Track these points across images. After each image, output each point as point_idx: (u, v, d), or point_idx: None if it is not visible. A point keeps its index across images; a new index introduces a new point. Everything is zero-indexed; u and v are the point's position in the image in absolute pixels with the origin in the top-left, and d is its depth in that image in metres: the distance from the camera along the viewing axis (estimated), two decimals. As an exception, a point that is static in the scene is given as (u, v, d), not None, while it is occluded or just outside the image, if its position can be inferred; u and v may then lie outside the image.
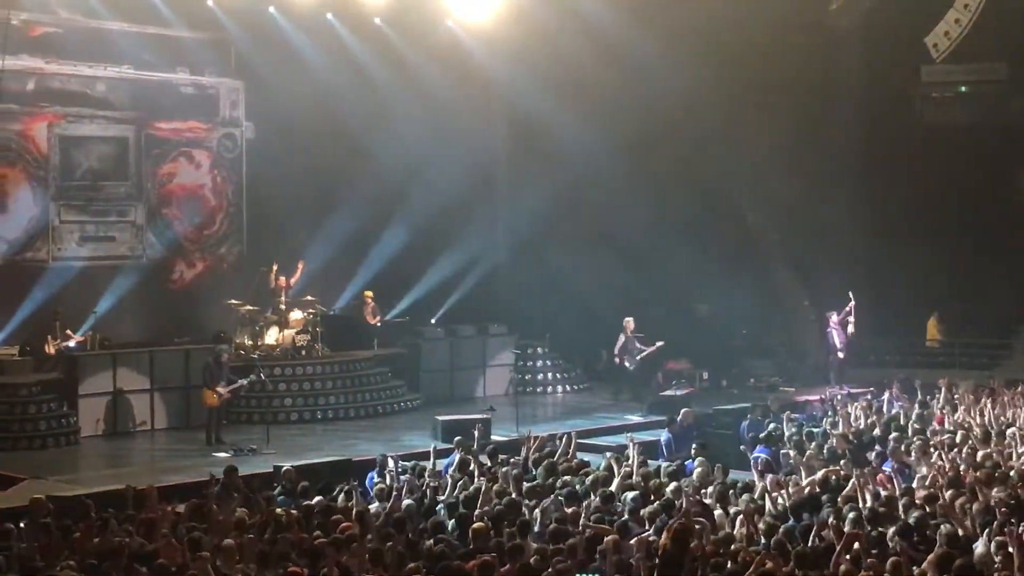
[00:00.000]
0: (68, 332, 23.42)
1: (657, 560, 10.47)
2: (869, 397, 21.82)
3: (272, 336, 24.42)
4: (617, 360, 25.49)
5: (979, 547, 11.05)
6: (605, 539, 10.87)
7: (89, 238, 25.68)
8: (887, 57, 28.32)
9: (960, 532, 11.50)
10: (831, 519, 11.94)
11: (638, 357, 25.30)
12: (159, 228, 26.48)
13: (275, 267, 24.71)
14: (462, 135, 27.57)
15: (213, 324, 25.19)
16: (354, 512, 12.75)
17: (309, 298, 25.06)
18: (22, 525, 13.00)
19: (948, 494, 12.72)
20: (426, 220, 27.29)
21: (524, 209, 28.38)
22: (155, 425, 22.22)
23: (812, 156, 27.75)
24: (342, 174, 27.00)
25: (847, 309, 25.51)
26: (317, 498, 14.16)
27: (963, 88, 28.82)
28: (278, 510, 13.02)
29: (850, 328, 25.57)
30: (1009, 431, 17.39)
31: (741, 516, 12.44)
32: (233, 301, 24.60)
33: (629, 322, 25.32)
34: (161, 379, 22.38)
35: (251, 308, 24.53)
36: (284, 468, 15.91)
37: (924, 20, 28.23)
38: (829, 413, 20.02)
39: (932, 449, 16.07)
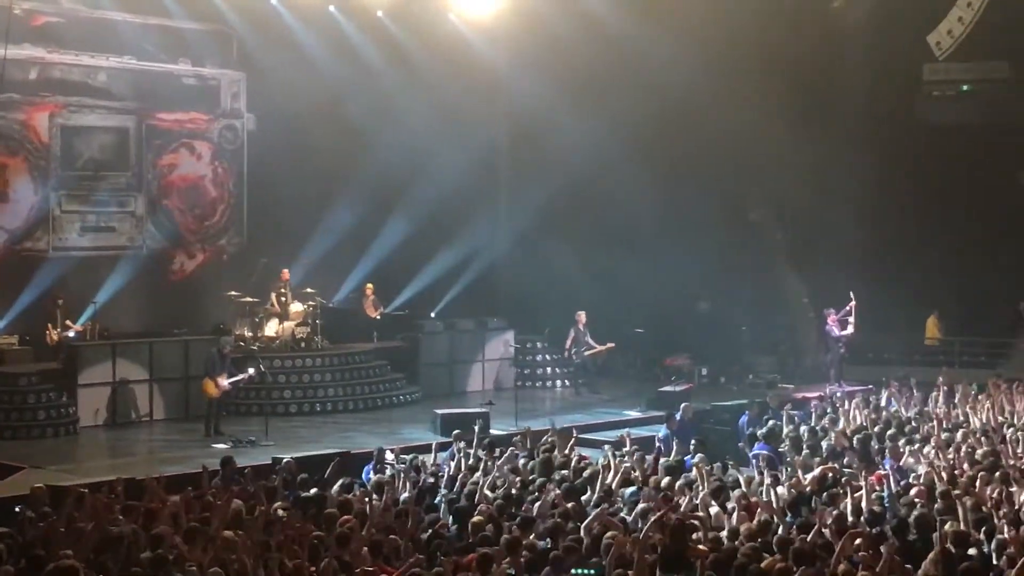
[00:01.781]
0: (68, 323, 23.43)
1: (657, 555, 10.49)
2: (868, 394, 21.84)
3: (271, 328, 24.43)
4: (567, 353, 26.07)
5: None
6: (606, 535, 10.89)
7: (90, 228, 25.67)
8: (889, 55, 28.28)
9: (962, 529, 11.52)
10: (828, 516, 11.96)
11: (585, 352, 25.73)
12: (159, 219, 26.47)
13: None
14: (464, 128, 27.56)
15: (213, 315, 25.20)
16: (353, 506, 12.76)
17: (309, 290, 25.06)
18: (17, 510, 13.05)
19: (947, 491, 12.75)
20: (427, 213, 27.29)
21: (525, 203, 28.39)
22: (154, 416, 22.23)
23: (814, 153, 27.70)
24: (343, 167, 26.99)
25: (847, 308, 25.50)
26: (313, 490, 14.20)
27: (965, 87, 28.77)
28: (278, 505, 13.02)
29: (850, 328, 25.56)
30: (1008, 430, 17.42)
31: (737, 512, 12.47)
32: (233, 293, 24.60)
33: (581, 315, 25.91)
34: (160, 370, 22.39)
35: (251, 300, 24.53)
36: (284, 460, 15.94)
37: (927, 18, 28.19)
38: (828, 410, 20.02)
39: (930, 447, 16.09)
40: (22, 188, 24.79)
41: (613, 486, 14.05)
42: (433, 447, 16.74)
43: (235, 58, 26.99)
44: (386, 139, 26.89)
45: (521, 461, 15.54)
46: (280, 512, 12.57)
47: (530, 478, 14.60)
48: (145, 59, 25.81)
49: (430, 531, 12.11)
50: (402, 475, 14.58)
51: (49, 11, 24.71)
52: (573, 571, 10.52)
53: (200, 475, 14.73)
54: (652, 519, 11.21)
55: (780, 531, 11.71)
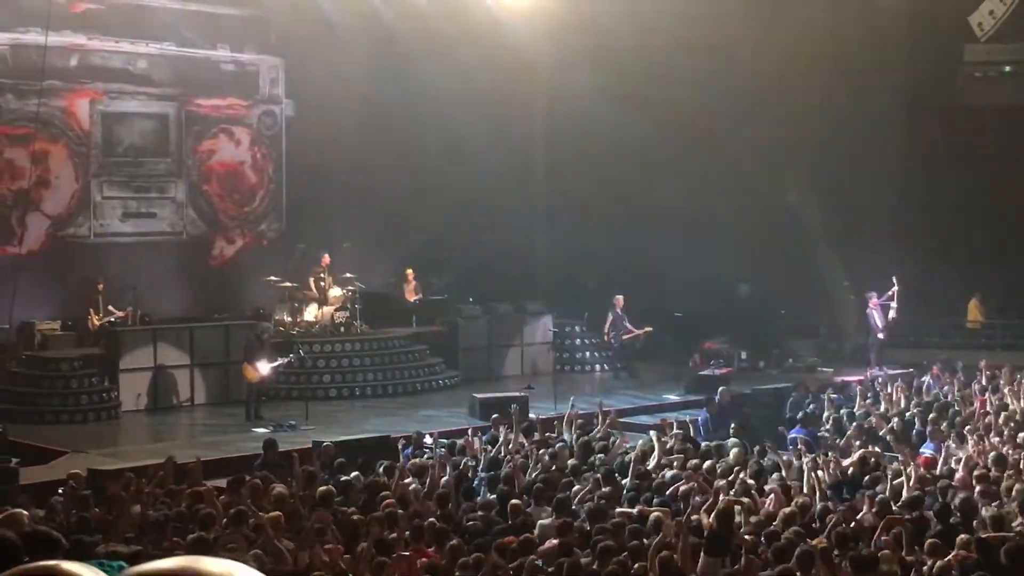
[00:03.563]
0: (110, 308, 23.58)
1: (704, 538, 10.50)
2: (909, 378, 21.72)
3: (311, 313, 24.48)
4: (605, 337, 25.98)
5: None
6: (650, 516, 10.91)
7: (131, 214, 25.83)
8: (930, 36, 28.05)
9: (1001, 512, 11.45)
10: (870, 500, 11.92)
11: (623, 336, 25.74)
12: (200, 205, 26.60)
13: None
14: (502, 114, 27.50)
15: (252, 300, 25.31)
16: (395, 488, 12.81)
17: (348, 275, 25.10)
18: (60, 492, 13.17)
19: (991, 476, 12.67)
20: (465, 198, 27.31)
21: (563, 187, 28.36)
22: (195, 400, 22.36)
23: (854, 135, 27.56)
24: (381, 152, 27.01)
25: (890, 293, 25.34)
26: (354, 473, 14.24)
27: (1007, 68, 28.52)
28: (322, 488, 13.07)
29: (892, 313, 25.42)
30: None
31: (775, 496, 12.45)
32: (272, 277, 24.68)
33: (619, 299, 25.74)
34: (201, 354, 22.49)
35: (290, 285, 24.60)
36: (324, 444, 16.01)
37: (968, -1, 27.98)
38: (869, 394, 19.93)
39: (972, 431, 15.99)
40: (64, 175, 24.96)
41: (654, 470, 14.04)
42: (469, 432, 16.77)
43: (273, 44, 27.05)
44: (424, 125, 26.90)
45: (558, 445, 15.54)
46: (319, 496, 12.62)
47: (568, 462, 14.61)
48: (184, 45, 25.90)
49: (469, 514, 12.14)
50: (442, 459, 14.61)
51: (89, -2, 24.85)
52: None
53: (242, 459, 14.82)
54: (696, 502, 11.21)
55: (823, 514, 11.68)
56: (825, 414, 18.06)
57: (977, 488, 12.56)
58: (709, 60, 26.21)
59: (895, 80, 27.94)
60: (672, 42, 26.50)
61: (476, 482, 14.02)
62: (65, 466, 16.55)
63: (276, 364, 21.38)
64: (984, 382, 20.52)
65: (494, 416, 17.46)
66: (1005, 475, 12.99)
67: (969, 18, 27.95)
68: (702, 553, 10.31)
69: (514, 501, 12.21)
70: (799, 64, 26.42)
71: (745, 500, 12.11)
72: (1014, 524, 11.21)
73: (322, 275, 24.55)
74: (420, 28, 27.23)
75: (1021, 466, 13.40)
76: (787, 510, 11.74)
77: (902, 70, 28.00)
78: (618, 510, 12.08)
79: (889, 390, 19.72)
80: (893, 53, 27.97)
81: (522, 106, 28.56)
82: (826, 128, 26.94)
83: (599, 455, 14.93)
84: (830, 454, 14.88)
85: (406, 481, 13.68)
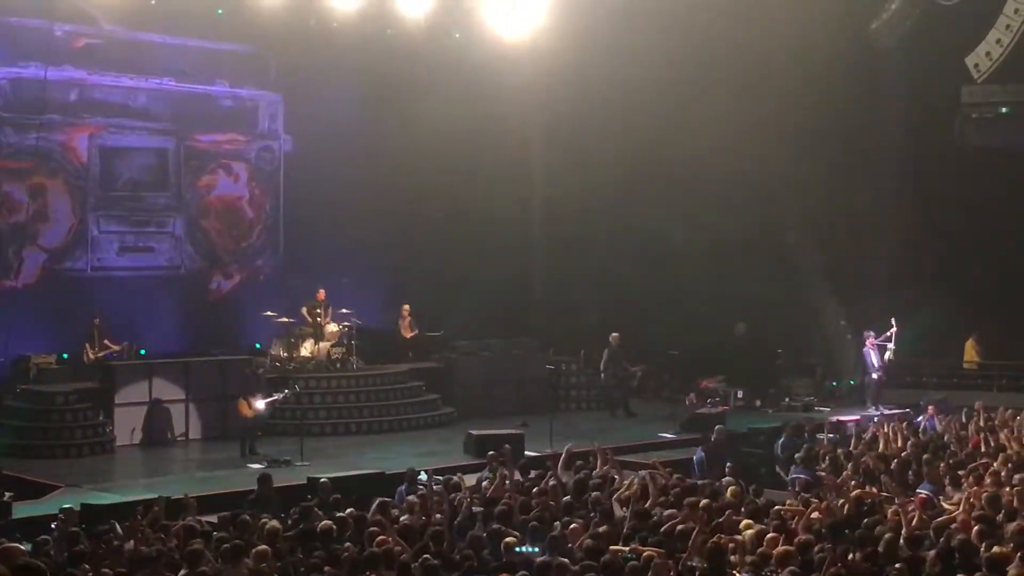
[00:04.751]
0: (106, 342, 23.56)
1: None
2: (906, 418, 21.70)
3: (307, 348, 24.46)
4: (601, 375, 25.96)
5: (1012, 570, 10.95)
6: (643, 555, 10.86)
7: (128, 248, 25.86)
8: (928, 77, 28.15)
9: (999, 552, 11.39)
10: (866, 540, 11.87)
11: (619, 373, 25.73)
12: (197, 239, 26.64)
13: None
14: (501, 149, 27.56)
15: (249, 335, 25.27)
16: (389, 525, 12.75)
17: (344, 311, 25.09)
18: (53, 527, 13.12)
19: (988, 517, 12.62)
20: (463, 233, 27.33)
21: (560, 224, 28.39)
22: (190, 435, 22.28)
23: (852, 175, 27.62)
24: (378, 188, 27.07)
25: (887, 334, 25.34)
26: (349, 510, 14.19)
27: (1004, 109, 28.58)
28: (323, 523, 13.01)
29: (888, 354, 25.42)
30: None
31: (772, 536, 12.39)
32: (269, 313, 24.65)
33: (615, 337, 25.57)
34: (197, 389, 22.44)
35: (287, 320, 24.58)
36: (320, 480, 15.97)
37: (965, 40, 28.05)
38: (865, 434, 19.88)
39: (968, 472, 15.94)
40: (61, 208, 25.03)
41: (649, 508, 13.99)
42: (462, 469, 16.74)
43: (273, 80, 27.16)
44: (421, 160, 26.94)
45: (552, 483, 15.49)
46: (314, 532, 12.57)
47: (564, 499, 14.56)
48: (184, 81, 26.03)
49: (464, 552, 12.08)
50: (436, 496, 14.56)
51: (90, 33, 24.93)
52: (517, 549, 11.01)
53: (237, 494, 14.77)
54: (692, 542, 11.16)
55: (818, 554, 11.62)
56: (821, 454, 18.01)
57: (975, 528, 12.51)
58: (705, 98, 26.28)
59: (892, 121, 28.02)
60: (669, 80, 26.59)
61: (470, 519, 13.96)
62: (59, 501, 16.50)
63: (271, 399, 21.34)
64: (981, 423, 20.47)
65: (490, 453, 17.42)
66: (1000, 516, 12.93)
67: (966, 59, 28.06)
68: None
69: (508, 539, 12.15)
70: (796, 105, 26.50)
71: (739, 538, 12.06)
72: (1009, 568, 11.15)
73: (318, 310, 24.56)
74: (417, 64, 27.31)
75: (1015, 505, 13.35)
76: (781, 549, 11.68)
77: (899, 111, 28.08)
78: (612, 548, 12.02)
79: (885, 430, 19.67)
80: (890, 94, 28.07)
81: (522, 141, 28.62)
82: (823, 168, 26.99)
83: (594, 493, 14.87)
84: (826, 494, 14.82)
85: (401, 518, 13.64)
